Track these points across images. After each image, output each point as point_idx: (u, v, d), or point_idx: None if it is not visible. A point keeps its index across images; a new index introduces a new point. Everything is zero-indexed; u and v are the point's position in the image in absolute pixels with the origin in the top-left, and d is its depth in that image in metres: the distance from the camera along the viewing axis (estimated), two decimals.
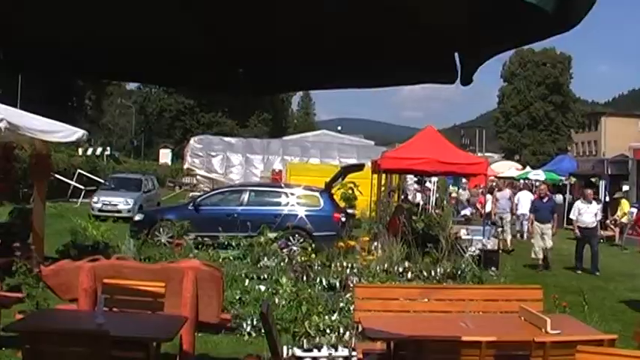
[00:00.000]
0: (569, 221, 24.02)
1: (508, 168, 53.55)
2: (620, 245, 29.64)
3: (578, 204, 22.47)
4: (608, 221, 31.24)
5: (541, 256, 21.82)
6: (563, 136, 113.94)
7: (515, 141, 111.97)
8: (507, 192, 30.63)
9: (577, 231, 22.06)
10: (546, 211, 22.39)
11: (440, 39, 3.60)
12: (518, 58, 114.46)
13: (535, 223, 22.36)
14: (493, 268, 19.05)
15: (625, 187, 37.62)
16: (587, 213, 21.86)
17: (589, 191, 23.50)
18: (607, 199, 36.27)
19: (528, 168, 52.32)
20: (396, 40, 3.71)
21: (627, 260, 25.01)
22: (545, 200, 22.84)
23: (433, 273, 16.07)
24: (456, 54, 3.70)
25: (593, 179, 39.87)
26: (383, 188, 25.69)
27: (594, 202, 22.84)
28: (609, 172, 40.73)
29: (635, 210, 33.02)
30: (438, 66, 3.81)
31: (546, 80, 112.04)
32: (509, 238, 27.38)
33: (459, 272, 16.33)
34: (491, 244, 21.43)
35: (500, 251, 24.44)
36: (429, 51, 3.79)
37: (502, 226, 27.52)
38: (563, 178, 41.08)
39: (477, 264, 17.65)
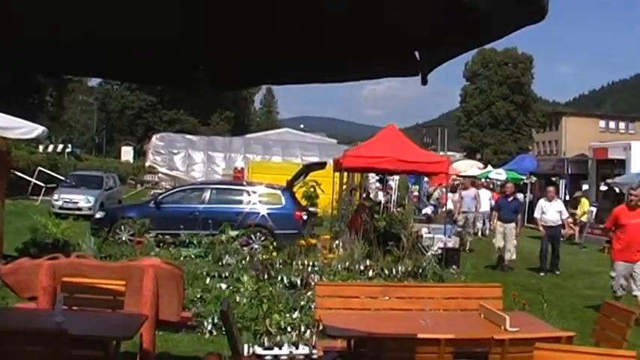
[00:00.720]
0: (531, 220, 24.01)
1: (470, 167, 53.74)
2: (580, 244, 29.91)
3: (542, 202, 22.28)
4: (569, 220, 31.55)
5: (507, 257, 21.56)
6: (524, 136, 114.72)
7: (477, 140, 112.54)
8: (473, 191, 30.33)
9: (542, 230, 21.78)
10: (510, 211, 22.21)
11: (402, 38, 3.62)
12: (481, 58, 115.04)
13: (497, 222, 22.33)
14: (454, 267, 19.13)
15: (585, 187, 37.96)
16: (550, 211, 21.70)
17: (551, 189, 23.43)
18: (567, 198, 36.55)
19: (490, 167, 52.58)
20: (357, 36, 3.73)
21: (586, 259, 25.24)
22: (510, 199, 22.63)
23: (394, 271, 16.09)
24: (417, 53, 3.73)
25: (553, 178, 40.21)
26: (345, 186, 25.73)
27: (558, 200, 22.81)
28: (569, 172, 41.12)
29: (594, 209, 33.36)
30: (399, 64, 3.83)
31: (508, 80, 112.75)
32: (469, 237, 27.09)
33: (420, 270, 16.37)
34: (452, 242, 21.51)
35: (468, 250, 24.64)
36: (392, 49, 3.80)
37: (465, 226, 27.44)
38: (524, 177, 41.34)
39: (438, 262, 17.74)
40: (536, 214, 22.18)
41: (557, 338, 7.32)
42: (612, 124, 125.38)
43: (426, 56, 3.66)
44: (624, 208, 14.93)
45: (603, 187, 35.68)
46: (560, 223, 22.26)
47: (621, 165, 34.40)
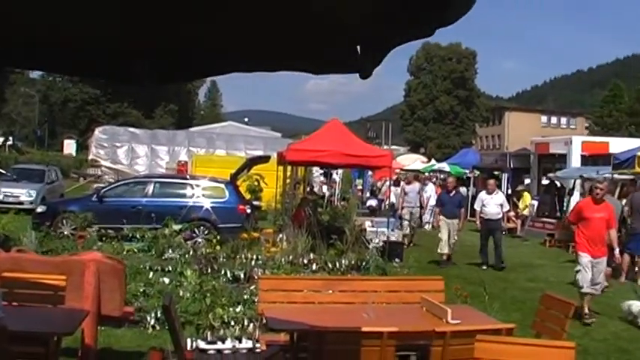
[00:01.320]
0: (473, 213, 24.01)
1: (413, 161, 54.08)
2: (522, 237, 30.27)
3: (482, 195, 22.02)
4: (511, 213, 31.89)
5: (446, 250, 21.38)
6: (467, 130, 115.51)
7: (421, 134, 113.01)
8: (417, 185, 29.54)
9: (478, 223, 21.78)
10: (453, 205, 22.02)
11: (342, 32, 3.63)
12: (425, 53, 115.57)
13: (441, 217, 21.94)
14: (397, 260, 19.24)
15: (527, 181, 38.38)
16: (490, 204, 21.36)
17: (491, 182, 23.02)
18: (509, 191, 36.93)
19: (433, 161, 52.93)
20: (297, 30, 3.73)
21: (528, 251, 25.56)
22: (452, 194, 22.35)
23: (338, 265, 16.16)
24: (358, 47, 3.73)
25: (496, 172, 40.59)
26: (288, 180, 25.75)
27: (499, 193, 22.51)
28: (511, 166, 41.54)
29: (535, 202, 33.80)
30: (340, 58, 3.84)
31: (452, 75, 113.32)
32: (413, 232, 27.15)
33: (364, 264, 16.47)
34: (396, 236, 21.64)
35: (412, 245, 24.71)
36: (332, 43, 3.81)
37: (410, 220, 27.07)
38: (466, 171, 41.71)
39: (381, 256, 17.83)
40: (476, 207, 21.97)
41: (497, 330, 7.42)
42: (554, 119, 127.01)
43: (367, 50, 3.67)
44: (589, 201, 14.53)
45: (545, 181, 36.16)
46: (501, 216, 21.74)
47: (562, 159, 34.85)
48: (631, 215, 19.76)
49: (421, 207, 29.64)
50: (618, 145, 31.07)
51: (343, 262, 16.34)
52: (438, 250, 21.56)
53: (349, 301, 9.32)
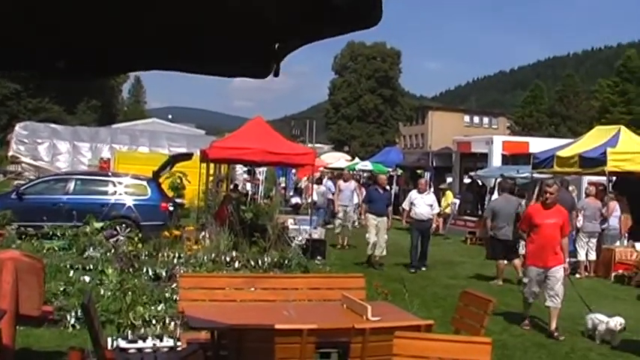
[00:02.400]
0: (396, 211, 24.00)
1: (337, 159, 54.31)
2: (444, 235, 30.60)
3: (413, 194, 20.93)
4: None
5: (377, 252, 20.53)
6: (391, 129, 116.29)
7: (345, 132, 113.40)
8: (352, 183, 28.75)
9: (405, 222, 21.23)
10: (383, 203, 21.22)
11: (253, 31, 3.64)
12: (350, 52, 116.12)
13: (370, 215, 21.10)
14: (319, 257, 19.31)
15: (449, 179, 38.79)
16: (421, 204, 20.41)
17: (422, 181, 22.24)
18: (432, 190, 37.30)
19: (357, 159, 53.19)
20: (211, 29, 3.73)
21: (450, 249, 25.83)
22: (382, 192, 21.49)
23: (260, 262, 16.22)
24: (266, 46, 3.75)
25: (418, 171, 40.92)
26: (211, 178, 25.68)
27: (430, 193, 21.88)
28: (434, 164, 41.92)
29: (457, 201, 34.19)
30: (251, 59, 3.85)
31: (376, 74, 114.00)
32: (348, 233, 26.20)
33: (286, 261, 16.52)
34: (318, 233, 21.70)
35: (347, 246, 24.60)
36: (243, 45, 3.82)
37: (344, 219, 26.24)
38: (390, 169, 41.97)
39: (303, 253, 17.89)
40: (405, 206, 20.99)
41: (416, 327, 7.51)
42: (476, 119, 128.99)
43: (278, 49, 3.69)
44: (538, 207, 13.56)
45: (466, 180, 36.58)
46: (431, 216, 20.92)
47: (483, 158, 35.25)
48: None
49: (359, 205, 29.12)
50: (538, 144, 31.57)
51: (266, 259, 16.40)
52: (368, 252, 20.76)
53: (270, 299, 9.33)
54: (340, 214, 26.44)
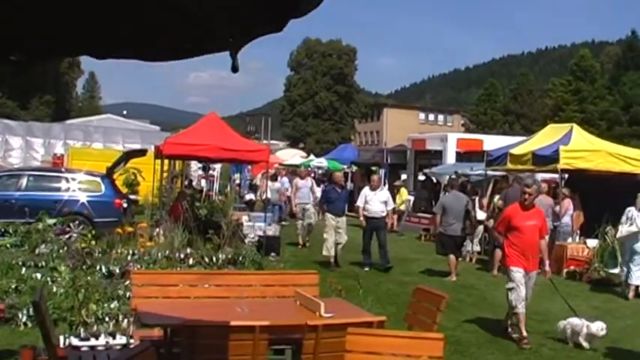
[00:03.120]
0: (351, 208, 23.91)
1: (292, 156, 54.42)
2: (398, 232, 30.69)
3: (366, 191, 20.31)
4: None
5: (333, 253, 19.95)
6: (346, 126, 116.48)
7: (300, 129, 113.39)
8: (309, 181, 27.80)
9: (362, 219, 20.14)
10: (342, 202, 20.71)
11: (209, 26, 3.63)
12: (305, 48, 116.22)
13: (328, 215, 20.51)
14: (273, 254, 19.30)
15: (403, 176, 38.98)
16: (374, 202, 19.85)
17: (375, 177, 21.53)
18: (387, 187, 37.44)
19: (312, 156, 53.28)
20: (165, 24, 3.71)
21: (404, 246, 25.90)
22: (340, 190, 20.85)
23: (214, 259, 16.17)
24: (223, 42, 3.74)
25: (373, 168, 41.05)
26: (166, 174, 25.55)
27: (383, 190, 21.19)
28: (389, 161, 42.11)
29: (412, 198, 34.37)
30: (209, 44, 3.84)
31: (332, 71, 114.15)
32: (305, 231, 25.42)
33: (240, 258, 16.49)
34: (272, 230, 21.68)
35: (303, 246, 24.45)
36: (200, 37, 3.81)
37: (302, 218, 25.47)
38: (344, 166, 42.12)
39: (257, 250, 17.86)
40: (359, 203, 20.22)
41: (369, 323, 7.55)
42: (431, 117, 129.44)
43: (235, 42, 3.68)
44: (517, 207, 12.60)
45: (421, 177, 36.78)
46: (385, 214, 20.24)
47: (438, 156, 35.47)
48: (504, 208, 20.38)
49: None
50: (492, 142, 31.82)
51: (220, 256, 16.36)
52: (324, 252, 20.11)
53: (224, 296, 9.31)
54: (299, 214, 25.73)
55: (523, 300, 12.07)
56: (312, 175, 39.02)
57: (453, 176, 24.89)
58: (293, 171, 33.91)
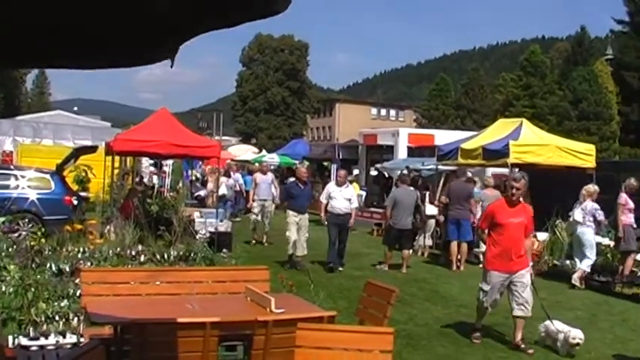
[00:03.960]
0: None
1: (245, 151, 54.36)
2: (350, 226, 30.69)
3: (331, 187, 19.78)
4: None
5: (299, 253, 19.42)
6: (298, 121, 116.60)
7: (253, 125, 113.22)
8: (270, 176, 26.59)
9: (323, 216, 19.62)
10: (304, 199, 20.07)
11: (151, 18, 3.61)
12: (258, 44, 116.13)
13: (290, 212, 19.75)
14: (225, 250, 19.25)
15: (355, 171, 39.10)
16: (339, 198, 19.24)
17: (342, 173, 20.70)
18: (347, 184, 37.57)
19: (264, 151, 53.25)
20: (109, 22, 3.69)
21: (356, 241, 25.84)
22: (302, 186, 20.08)
23: (166, 256, 16.07)
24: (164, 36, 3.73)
25: (325, 163, 41.18)
26: (117, 171, 25.38)
27: (349, 186, 20.18)
28: (340, 157, 42.27)
29: (364, 193, 34.50)
30: (151, 49, 3.83)
31: (284, 66, 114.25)
32: (266, 228, 24.89)
33: (192, 255, 16.43)
34: (224, 226, 21.61)
35: (260, 243, 24.29)
36: (142, 33, 3.79)
37: (262, 215, 24.81)
38: (296, 161, 42.16)
39: (209, 246, 17.81)
40: (323, 199, 19.64)
41: (319, 318, 7.58)
42: (383, 112, 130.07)
43: (176, 39, 3.68)
44: (502, 203, 11.91)
45: (373, 172, 36.94)
46: (350, 211, 19.51)
47: (390, 150, 35.67)
48: (450, 203, 20.56)
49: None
50: (443, 137, 32.10)
51: (172, 253, 16.27)
52: (289, 251, 19.58)
53: (175, 292, 9.27)
54: (256, 209, 24.91)
55: (492, 303, 11.80)
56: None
57: (405, 171, 24.94)
58: (241, 166, 33.70)
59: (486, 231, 12.02)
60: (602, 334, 12.60)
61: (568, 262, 19.01)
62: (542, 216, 20.74)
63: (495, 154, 21.45)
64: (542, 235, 20.35)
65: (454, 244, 20.04)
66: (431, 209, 22.63)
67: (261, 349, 7.09)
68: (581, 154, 22.19)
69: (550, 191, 21.83)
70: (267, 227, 24.94)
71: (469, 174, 21.68)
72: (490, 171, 25.86)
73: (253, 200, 25.37)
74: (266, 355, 7.19)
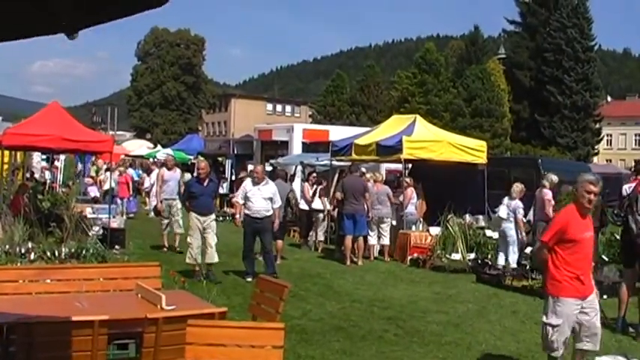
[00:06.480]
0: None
1: (139, 146, 53.87)
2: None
3: (247, 185, 17.13)
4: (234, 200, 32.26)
5: (208, 259, 16.69)
6: (194, 116, 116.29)
7: (148, 120, 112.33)
8: (178, 172, 22.82)
9: (238, 218, 17.68)
10: (208, 197, 17.36)
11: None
12: (153, 38, 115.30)
13: (192, 214, 16.99)
14: (117, 247, 19.00)
15: (250, 167, 39.06)
16: (257, 198, 16.83)
17: (259, 169, 17.70)
18: (233, 177, 37.51)
19: (159, 147, 52.86)
20: None
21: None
22: (206, 183, 17.10)
23: (57, 253, 15.77)
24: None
25: (220, 158, 41.07)
26: (6, 166, 24.82)
27: (269, 184, 17.24)
28: (235, 152, 42.26)
29: None
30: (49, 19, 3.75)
31: (180, 61, 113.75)
32: (179, 230, 21.47)
33: (84, 252, 16.17)
34: (117, 222, 21.33)
35: (177, 249, 22.38)
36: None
37: (172, 216, 21.76)
38: (191, 157, 42.03)
39: (101, 243, 17.57)
40: (238, 199, 17.44)
41: (210, 314, 7.54)
42: (279, 107, 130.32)
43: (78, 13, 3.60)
44: (574, 213, 8.80)
45: (268, 168, 36.94)
46: (270, 213, 16.93)
47: (285, 146, 35.79)
48: (344, 198, 20.68)
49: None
50: (337, 132, 32.41)
51: (63, 250, 15.97)
52: (187, 260, 16.88)
53: (64, 291, 9.09)
54: (164, 212, 21.78)
55: (565, 342, 8.79)
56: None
57: (300, 167, 25.03)
58: (138, 161, 33.31)
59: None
60: (492, 325, 12.80)
61: (458, 256, 19.40)
62: (435, 211, 21.13)
63: (389, 149, 21.71)
64: (435, 230, 20.67)
65: (349, 239, 20.11)
66: (318, 203, 22.72)
67: (152, 346, 7.01)
68: (473, 150, 22.65)
69: (442, 186, 22.22)
70: (179, 229, 21.50)
71: (363, 169, 21.79)
72: (384, 167, 26.15)
73: (161, 201, 22.00)
74: (157, 353, 7.10)
